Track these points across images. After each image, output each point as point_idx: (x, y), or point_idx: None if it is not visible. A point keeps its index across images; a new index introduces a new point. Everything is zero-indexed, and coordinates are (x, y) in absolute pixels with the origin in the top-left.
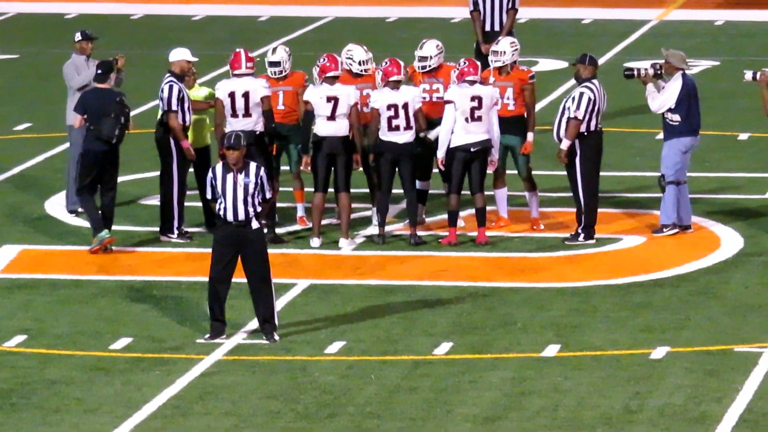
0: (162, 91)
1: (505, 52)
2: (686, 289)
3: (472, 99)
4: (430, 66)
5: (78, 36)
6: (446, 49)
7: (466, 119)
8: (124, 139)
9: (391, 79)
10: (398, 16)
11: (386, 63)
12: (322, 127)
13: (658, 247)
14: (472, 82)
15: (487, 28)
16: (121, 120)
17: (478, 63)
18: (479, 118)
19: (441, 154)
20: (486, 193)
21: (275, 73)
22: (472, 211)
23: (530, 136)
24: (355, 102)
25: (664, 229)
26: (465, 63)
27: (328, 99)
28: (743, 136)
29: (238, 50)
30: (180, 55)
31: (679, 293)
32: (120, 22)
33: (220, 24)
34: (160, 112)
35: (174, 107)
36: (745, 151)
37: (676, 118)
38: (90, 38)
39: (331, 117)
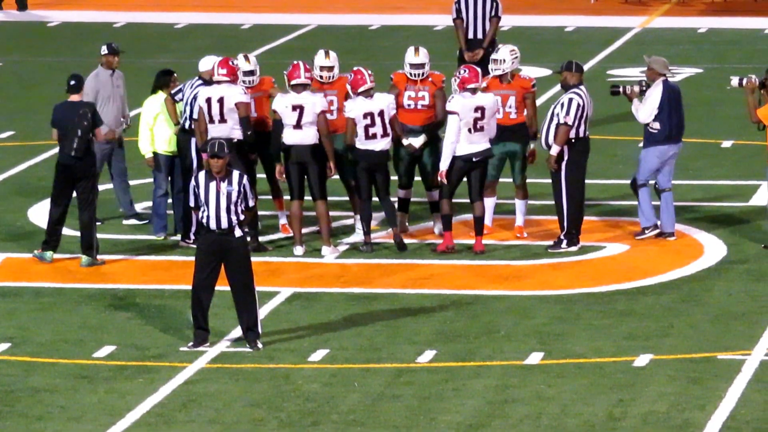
0: (195, 99)
1: (504, 60)
2: (669, 297)
3: (476, 110)
4: (425, 72)
5: (104, 49)
6: (430, 57)
7: (470, 130)
8: (84, 151)
9: (361, 89)
10: (381, 24)
11: (351, 75)
12: (289, 136)
13: (641, 255)
14: (474, 90)
15: (470, 35)
16: (78, 133)
17: (479, 70)
18: (482, 128)
19: (444, 166)
20: None
21: (251, 82)
22: (464, 217)
23: (533, 144)
24: (322, 110)
25: (646, 231)
26: (465, 71)
27: (294, 108)
28: (726, 144)
29: (217, 59)
30: (212, 63)
31: (663, 301)
32: (103, 29)
33: (203, 32)
34: (182, 119)
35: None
36: (728, 158)
37: (656, 125)
38: (116, 52)
39: (297, 126)
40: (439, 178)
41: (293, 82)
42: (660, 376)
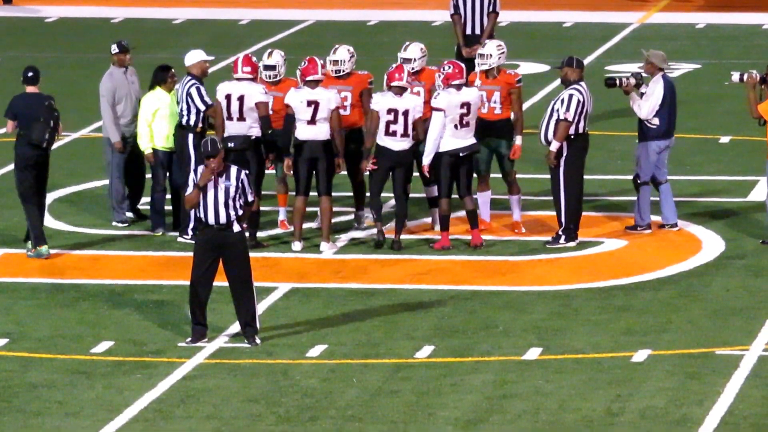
0: (189, 95)
1: (491, 55)
2: (667, 292)
3: (461, 106)
4: (413, 68)
5: (114, 48)
6: (428, 53)
7: (455, 126)
8: (54, 142)
9: (393, 84)
10: (379, 19)
11: (392, 67)
12: (303, 132)
13: (639, 250)
14: (459, 87)
15: (468, 31)
16: (50, 124)
17: (463, 65)
18: (467, 124)
19: (427, 161)
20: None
21: (270, 77)
22: (460, 213)
23: (518, 140)
24: (336, 106)
25: (639, 228)
26: (450, 67)
27: (309, 103)
28: (724, 140)
29: (239, 55)
30: (197, 56)
31: (661, 296)
32: (100, 25)
33: (201, 27)
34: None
35: (210, 102)
36: (726, 154)
37: (655, 121)
38: (126, 49)
39: (312, 121)
40: (424, 172)
41: (310, 78)
42: (658, 371)
